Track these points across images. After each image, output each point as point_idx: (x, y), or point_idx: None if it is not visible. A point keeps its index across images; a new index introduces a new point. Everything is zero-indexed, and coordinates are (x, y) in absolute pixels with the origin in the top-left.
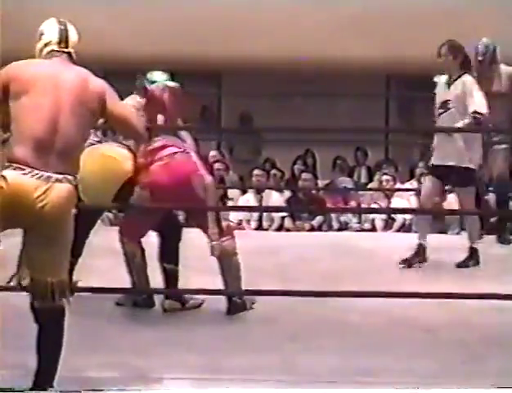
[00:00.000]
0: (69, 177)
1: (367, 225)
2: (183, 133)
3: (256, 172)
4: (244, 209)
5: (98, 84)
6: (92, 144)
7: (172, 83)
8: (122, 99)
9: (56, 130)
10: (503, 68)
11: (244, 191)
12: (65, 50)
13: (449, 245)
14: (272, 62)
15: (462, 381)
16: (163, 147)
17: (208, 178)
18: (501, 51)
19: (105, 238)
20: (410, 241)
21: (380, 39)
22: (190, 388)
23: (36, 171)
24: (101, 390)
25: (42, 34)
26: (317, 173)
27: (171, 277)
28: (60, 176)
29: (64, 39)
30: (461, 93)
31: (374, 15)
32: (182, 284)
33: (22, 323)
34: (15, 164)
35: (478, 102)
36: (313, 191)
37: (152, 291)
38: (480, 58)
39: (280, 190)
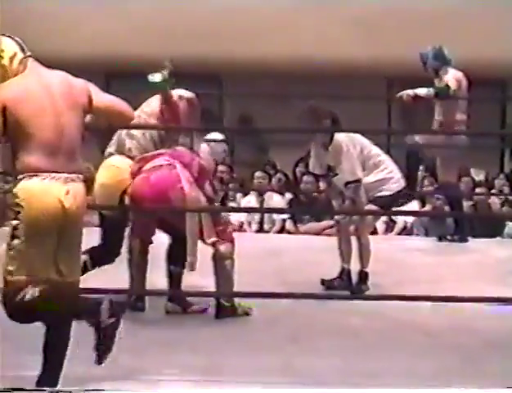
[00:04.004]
0: (80, 176)
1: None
2: (196, 143)
3: (257, 174)
4: (244, 210)
5: (80, 82)
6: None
7: (188, 93)
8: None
9: (62, 133)
10: (451, 71)
11: (245, 194)
12: (29, 54)
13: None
14: (273, 64)
15: (461, 382)
16: (152, 158)
17: (190, 191)
18: (501, 50)
19: None
20: (410, 243)
21: (382, 41)
22: (190, 390)
23: (53, 174)
24: (101, 391)
25: (1, 51)
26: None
27: (175, 278)
28: (74, 175)
29: (22, 47)
30: None
31: (376, 17)
32: (187, 286)
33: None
34: (30, 173)
35: None
36: (314, 194)
37: (148, 292)
38: (424, 66)
39: (281, 192)
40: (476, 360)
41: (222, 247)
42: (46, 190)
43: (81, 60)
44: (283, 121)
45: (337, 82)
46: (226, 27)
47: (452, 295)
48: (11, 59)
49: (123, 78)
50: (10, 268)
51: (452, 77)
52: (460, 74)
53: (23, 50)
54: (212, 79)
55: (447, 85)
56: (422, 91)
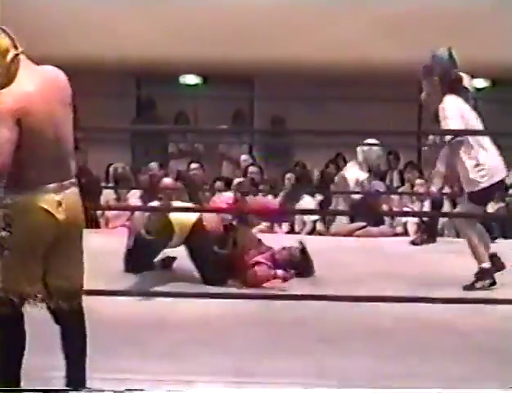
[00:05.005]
0: (73, 180)
1: (399, 229)
2: None
3: (288, 176)
4: (275, 211)
5: (66, 79)
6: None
7: None
8: (155, 104)
9: (58, 142)
10: (461, 74)
11: (275, 195)
12: (21, 51)
13: None
14: (305, 66)
15: (494, 384)
16: None
17: None
18: None
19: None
20: (441, 245)
21: (413, 42)
22: (222, 391)
23: (45, 186)
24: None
25: None
26: None
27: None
28: (67, 182)
29: (14, 41)
30: None
31: (407, 18)
32: None
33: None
34: (23, 186)
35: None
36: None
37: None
38: (436, 69)
39: (311, 193)
40: (509, 362)
41: None
42: (37, 205)
43: (111, 63)
44: (314, 123)
45: (368, 84)
46: (259, 29)
47: (484, 297)
48: (3, 55)
49: (154, 81)
50: None
51: (466, 80)
52: (468, 77)
53: (15, 45)
54: (244, 80)
55: (466, 88)
56: None
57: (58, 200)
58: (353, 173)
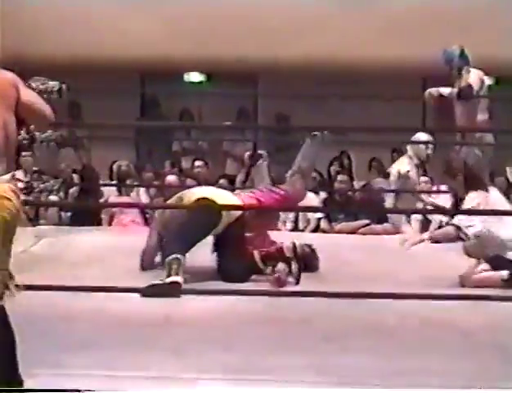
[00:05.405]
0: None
1: (403, 227)
2: None
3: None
4: (279, 209)
5: (8, 74)
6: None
7: None
8: (159, 103)
9: (7, 136)
10: (474, 71)
11: None
12: None
13: None
14: (309, 64)
15: (498, 384)
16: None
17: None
18: None
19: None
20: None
21: (416, 40)
22: (226, 389)
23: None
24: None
25: None
26: (353, 174)
27: None
28: (11, 174)
29: None
30: None
31: (410, 17)
32: None
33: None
34: None
35: None
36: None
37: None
38: (447, 66)
39: (315, 191)
40: None
41: None
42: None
43: (116, 62)
44: (318, 121)
45: (372, 82)
46: (263, 27)
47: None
48: None
49: (159, 79)
50: None
51: (475, 76)
52: (481, 73)
53: None
54: (248, 78)
55: (470, 85)
56: (446, 90)
57: (13, 189)
58: (397, 166)
